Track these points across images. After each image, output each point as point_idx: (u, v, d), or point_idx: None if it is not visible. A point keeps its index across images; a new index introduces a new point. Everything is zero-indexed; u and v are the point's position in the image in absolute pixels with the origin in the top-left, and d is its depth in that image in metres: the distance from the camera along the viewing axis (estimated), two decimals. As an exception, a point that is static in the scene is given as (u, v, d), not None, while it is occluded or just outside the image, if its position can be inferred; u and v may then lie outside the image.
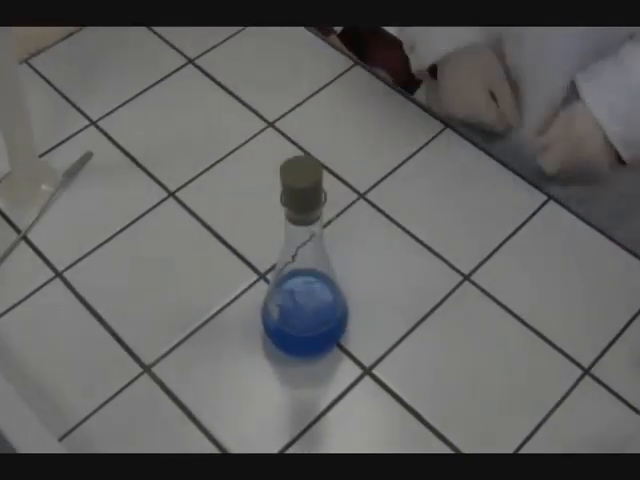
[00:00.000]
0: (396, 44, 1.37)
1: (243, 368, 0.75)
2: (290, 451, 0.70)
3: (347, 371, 0.75)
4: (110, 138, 0.91)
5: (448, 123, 0.92)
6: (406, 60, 1.36)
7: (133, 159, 0.89)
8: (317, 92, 0.95)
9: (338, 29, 1.42)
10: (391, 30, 1.36)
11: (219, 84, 0.96)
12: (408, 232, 0.83)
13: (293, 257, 0.67)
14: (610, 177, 0.90)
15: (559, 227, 0.84)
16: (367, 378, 0.74)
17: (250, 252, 0.82)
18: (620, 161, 0.86)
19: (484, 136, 0.92)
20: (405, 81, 1.38)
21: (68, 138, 0.91)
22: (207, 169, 0.88)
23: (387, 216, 0.85)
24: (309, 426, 0.72)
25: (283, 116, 0.93)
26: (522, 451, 0.70)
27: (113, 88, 0.95)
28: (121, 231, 0.84)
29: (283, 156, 0.62)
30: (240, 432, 0.71)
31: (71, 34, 1.00)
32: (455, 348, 0.76)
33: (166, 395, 0.73)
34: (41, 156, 0.89)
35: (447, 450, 0.70)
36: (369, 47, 1.41)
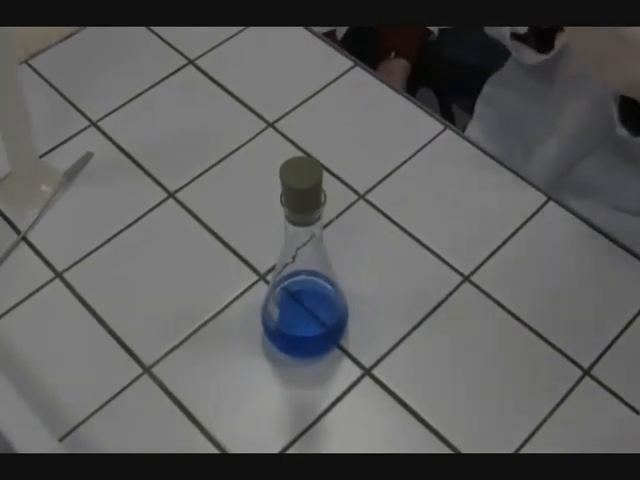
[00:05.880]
0: (412, 29, 1.37)
1: (243, 369, 0.75)
2: (290, 451, 0.70)
3: (347, 372, 0.75)
4: (110, 138, 0.91)
5: (447, 124, 0.92)
6: (422, 43, 1.37)
7: (133, 159, 0.89)
8: (317, 92, 0.95)
9: (341, 32, 1.42)
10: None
11: (219, 84, 0.96)
12: (408, 232, 0.83)
13: (293, 258, 0.67)
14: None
15: (559, 227, 0.84)
16: (367, 379, 0.74)
17: (250, 252, 0.82)
18: None
19: None
20: (420, 65, 1.39)
21: (68, 139, 0.91)
22: (207, 169, 0.88)
23: (387, 216, 0.85)
24: (309, 427, 0.72)
25: (283, 116, 0.93)
26: (522, 451, 0.70)
27: (113, 88, 0.95)
28: (121, 231, 0.84)
29: (283, 156, 0.62)
30: (240, 432, 0.71)
31: (71, 34, 1.00)
32: (455, 348, 0.76)
33: (166, 395, 0.73)
34: (41, 156, 0.89)
35: (447, 450, 0.70)
36: (383, 33, 1.40)
